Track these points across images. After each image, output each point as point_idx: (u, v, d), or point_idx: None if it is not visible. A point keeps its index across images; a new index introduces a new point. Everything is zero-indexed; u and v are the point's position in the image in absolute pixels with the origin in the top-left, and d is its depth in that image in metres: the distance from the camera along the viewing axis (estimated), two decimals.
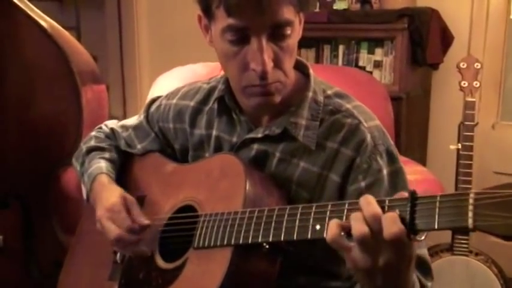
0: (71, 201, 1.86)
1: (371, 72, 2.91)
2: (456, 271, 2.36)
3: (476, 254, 2.36)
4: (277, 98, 1.15)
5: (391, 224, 0.85)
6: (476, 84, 2.35)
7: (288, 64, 1.15)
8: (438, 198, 0.84)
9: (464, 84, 2.35)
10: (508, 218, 0.76)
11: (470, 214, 0.79)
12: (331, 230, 0.90)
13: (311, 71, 1.26)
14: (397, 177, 1.16)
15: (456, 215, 0.81)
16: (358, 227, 0.87)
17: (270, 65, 1.09)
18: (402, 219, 0.86)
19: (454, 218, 0.81)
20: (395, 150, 1.19)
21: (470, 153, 2.32)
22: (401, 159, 2.30)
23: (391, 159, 1.17)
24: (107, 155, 1.46)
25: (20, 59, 1.80)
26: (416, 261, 1.07)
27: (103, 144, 1.49)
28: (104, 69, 4.15)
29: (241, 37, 1.09)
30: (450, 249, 2.37)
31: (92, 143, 1.50)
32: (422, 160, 3.00)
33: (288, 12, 1.08)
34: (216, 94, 1.31)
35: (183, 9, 3.83)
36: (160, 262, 1.23)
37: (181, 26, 3.69)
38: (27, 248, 1.87)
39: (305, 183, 1.19)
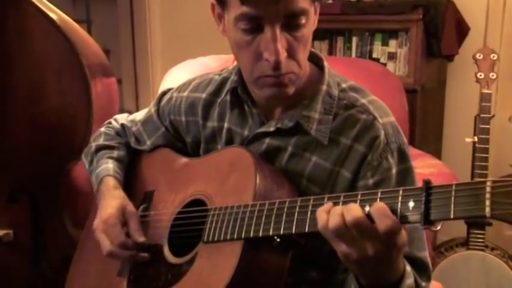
0: (81, 195, 1.85)
1: (385, 64, 2.88)
2: (472, 266, 2.34)
3: (492, 249, 2.34)
4: (291, 90, 1.13)
5: (383, 218, 0.87)
6: (492, 75, 2.31)
7: (302, 55, 1.12)
8: (454, 187, 0.83)
9: (481, 75, 2.32)
10: None
11: (487, 202, 0.78)
12: (321, 217, 0.93)
13: (326, 64, 1.23)
14: (406, 177, 1.15)
15: (473, 203, 0.80)
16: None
17: (283, 54, 1.07)
18: (416, 202, 0.87)
19: (470, 207, 0.80)
20: (407, 149, 1.18)
21: (487, 146, 2.29)
22: (416, 152, 2.31)
23: (402, 158, 1.15)
24: (115, 154, 1.45)
25: (29, 52, 1.79)
26: (415, 262, 1.08)
27: (112, 142, 1.48)
28: (116, 63, 4.15)
29: (254, 26, 1.07)
30: (466, 243, 2.35)
31: (101, 140, 1.49)
32: (437, 153, 2.97)
33: (303, 1, 1.06)
34: (228, 85, 1.28)
35: (195, 2, 3.84)
36: (170, 257, 1.22)
37: (194, 19, 3.68)
38: (36, 243, 1.87)
39: (316, 178, 1.17)
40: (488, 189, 0.78)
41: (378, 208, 0.88)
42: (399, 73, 2.84)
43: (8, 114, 1.83)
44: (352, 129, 1.15)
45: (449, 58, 2.95)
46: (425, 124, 2.85)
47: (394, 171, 1.13)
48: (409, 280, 1.01)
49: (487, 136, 2.29)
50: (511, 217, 0.76)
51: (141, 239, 1.25)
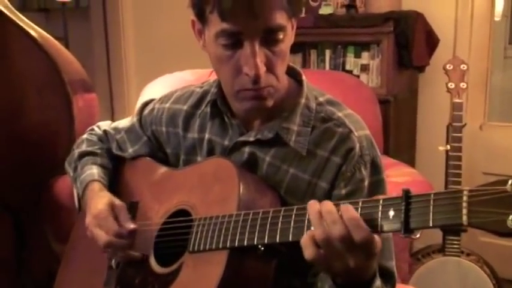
0: (64, 210, 1.85)
1: (358, 76, 2.93)
2: (448, 271, 2.37)
3: (468, 255, 2.38)
4: (270, 102, 1.16)
5: (357, 229, 0.91)
6: (463, 85, 2.37)
7: (281, 69, 1.16)
8: (432, 196, 0.85)
9: (451, 85, 2.38)
10: (501, 214, 0.77)
11: (464, 211, 0.80)
12: (308, 248, 0.95)
13: (304, 78, 1.27)
14: (377, 188, 1.18)
15: (451, 212, 0.82)
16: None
17: (262, 69, 1.10)
18: (370, 215, 0.91)
19: (448, 215, 0.83)
20: (380, 162, 1.21)
21: (459, 154, 2.34)
22: (391, 161, 2.35)
23: (375, 170, 1.19)
24: (99, 160, 1.47)
25: (10, 69, 1.80)
26: (382, 271, 1.10)
27: (95, 149, 1.50)
28: (91, 79, 4.14)
29: (234, 41, 1.10)
30: (442, 250, 2.38)
31: (84, 147, 1.51)
32: (411, 162, 3.02)
33: (280, 18, 1.09)
34: (208, 97, 1.32)
35: (169, 18, 3.85)
36: (156, 267, 1.23)
37: (168, 35, 3.69)
38: (19, 259, 1.86)
39: (294, 189, 1.20)
40: (465, 198, 0.81)
41: (351, 218, 0.92)
42: (372, 84, 2.89)
43: None
44: (329, 142, 1.19)
45: (421, 69, 3.01)
46: (399, 133, 2.90)
47: (366, 182, 1.17)
48: (378, 282, 1.04)
49: (459, 144, 2.34)
50: (487, 225, 0.79)
51: (132, 225, 1.27)
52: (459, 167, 2.33)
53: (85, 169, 1.44)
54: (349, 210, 0.92)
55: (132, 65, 3.99)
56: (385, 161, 2.32)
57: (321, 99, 1.26)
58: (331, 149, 1.18)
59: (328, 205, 0.95)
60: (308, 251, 0.95)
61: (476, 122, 3.03)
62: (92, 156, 1.48)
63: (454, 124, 2.36)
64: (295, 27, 1.20)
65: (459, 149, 2.34)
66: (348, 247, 0.91)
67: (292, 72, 1.28)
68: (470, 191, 0.81)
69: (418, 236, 0.92)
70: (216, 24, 1.10)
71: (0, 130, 1.81)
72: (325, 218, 0.93)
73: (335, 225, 0.92)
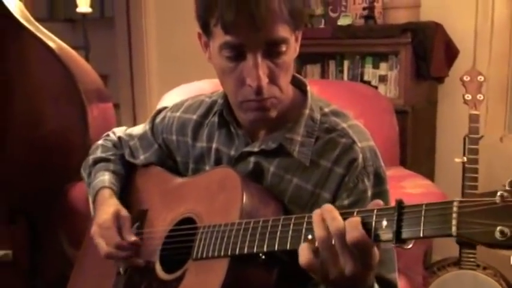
0: (78, 216, 1.88)
1: (376, 87, 2.92)
2: (464, 285, 2.35)
3: (484, 268, 2.35)
4: (273, 113, 1.18)
5: (353, 230, 0.90)
6: (480, 97, 2.36)
7: (284, 80, 1.18)
8: (424, 207, 0.86)
9: (468, 97, 2.37)
10: (490, 225, 0.78)
11: (454, 222, 0.81)
12: (305, 255, 0.95)
13: (309, 88, 1.28)
14: (380, 199, 1.16)
15: (441, 223, 0.83)
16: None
17: (265, 80, 1.12)
18: (364, 224, 0.91)
19: (438, 226, 0.83)
20: (383, 173, 1.22)
21: (476, 166, 2.32)
22: (406, 173, 2.35)
23: (378, 181, 1.20)
24: (111, 166, 1.51)
25: (28, 79, 1.86)
26: (383, 283, 1.10)
27: (109, 155, 1.53)
28: (114, 88, 4.22)
29: (237, 54, 1.12)
30: (458, 263, 2.36)
31: (98, 153, 1.55)
32: (430, 173, 3.00)
33: (282, 31, 1.11)
34: (216, 108, 1.34)
35: (191, 27, 3.88)
36: (161, 273, 1.26)
37: (190, 45, 3.70)
38: (34, 262, 1.90)
39: (297, 199, 1.21)
40: (455, 209, 0.81)
41: (351, 220, 0.92)
42: (390, 95, 2.88)
43: (8, 138, 1.88)
44: (332, 152, 1.20)
45: (440, 80, 3.00)
46: (417, 145, 2.88)
47: (369, 193, 1.17)
48: None
49: (475, 156, 2.32)
50: (475, 236, 0.79)
51: (133, 238, 1.31)
52: (475, 179, 2.31)
53: (98, 175, 1.48)
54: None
55: (154, 74, 4.04)
56: (400, 172, 2.35)
57: (326, 109, 1.27)
58: (334, 159, 1.19)
59: (329, 206, 0.96)
60: (303, 256, 0.95)
61: (497, 133, 3.00)
62: (105, 163, 1.51)
63: (471, 136, 2.34)
64: (299, 39, 1.21)
65: (475, 161, 2.32)
66: (343, 247, 0.91)
67: (297, 83, 1.29)
68: (460, 202, 0.81)
69: (410, 246, 0.92)
70: (219, 37, 1.12)
71: (19, 137, 1.87)
72: (325, 216, 0.94)
73: (334, 221, 0.92)
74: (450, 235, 0.82)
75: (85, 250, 1.55)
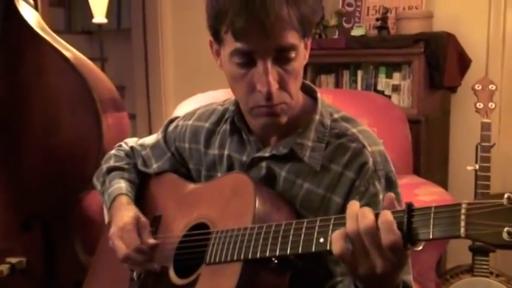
0: (93, 223, 1.92)
1: (389, 96, 2.93)
2: None
3: (497, 275, 2.35)
4: (283, 119, 1.20)
5: (388, 232, 0.90)
6: (491, 105, 2.37)
7: (293, 86, 1.19)
8: (433, 209, 0.88)
9: (480, 105, 2.38)
10: (497, 226, 0.79)
11: (462, 223, 0.82)
12: (337, 243, 0.95)
13: (319, 95, 1.30)
14: None
15: (449, 224, 0.84)
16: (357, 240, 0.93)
17: (275, 86, 1.14)
18: (399, 224, 0.90)
19: (447, 228, 0.85)
20: (394, 177, 1.23)
21: (488, 174, 2.32)
22: (420, 180, 2.35)
23: (389, 185, 1.21)
24: (126, 175, 1.53)
25: (44, 87, 1.88)
26: (401, 286, 1.09)
27: (123, 164, 1.56)
28: (131, 99, 4.26)
29: (248, 60, 1.14)
30: (470, 270, 2.36)
31: (112, 162, 1.57)
32: (443, 182, 3.00)
33: (292, 37, 1.13)
34: (227, 115, 1.37)
35: (207, 38, 3.90)
36: (175, 278, 1.27)
37: (206, 56, 3.74)
38: (48, 270, 1.91)
39: (308, 204, 1.22)
40: (463, 211, 0.83)
41: (385, 220, 0.91)
42: (403, 104, 2.89)
43: (24, 145, 1.91)
44: (342, 157, 1.21)
45: (453, 89, 3.01)
46: (431, 154, 2.88)
47: (381, 196, 1.18)
48: None
49: (487, 164, 2.33)
50: (483, 237, 0.81)
51: (153, 241, 1.33)
52: (487, 186, 2.31)
53: (113, 183, 1.50)
54: (386, 214, 0.92)
55: (170, 85, 4.07)
56: (413, 180, 2.35)
57: (336, 115, 1.29)
58: (344, 163, 1.20)
59: (365, 207, 0.96)
60: (337, 245, 0.95)
61: (509, 142, 2.99)
62: (120, 171, 1.54)
63: (483, 144, 2.35)
64: (309, 46, 1.23)
65: (487, 169, 2.32)
66: (377, 246, 0.91)
67: (308, 90, 1.31)
68: (468, 204, 0.83)
69: (420, 248, 0.93)
70: (230, 44, 1.15)
71: (34, 144, 1.89)
72: (358, 213, 0.94)
73: (365, 218, 0.92)
74: (459, 236, 0.83)
75: (98, 256, 1.57)
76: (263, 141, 1.30)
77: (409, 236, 0.89)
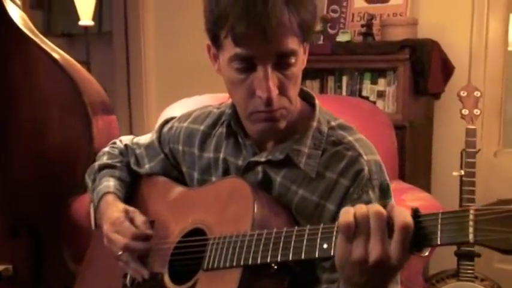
0: (81, 230, 1.88)
1: (374, 102, 2.94)
2: None
3: (482, 280, 2.37)
4: (282, 124, 1.20)
5: (401, 216, 0.89)
6: (476, 112, 2.39)
7: (293, 91, 1.20)
8: (440, 215, 0.88)
9: (465, 112, 2.40)
10: (506, 232, 0.80)
11: (471, 229, 0.83)
12: (345, 215, 0.93)
13: (317, 102, 1.31)
14: None
15: (457, 230, 0.85)
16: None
17: (275, 92, 1.14)
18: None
19: (455, 234, 0.85)
20: (388, 186, 1.23)
21: (473, 179, 2.35)
22: (406, 186, 2.36)
23: (383, 194, 1.21)
24: (117, 173, 1.52)
25: (34, 89, 1.86)
26: None
27: (115, 162, 1.55)
28: (112, 103, 4.21)
29: (247, 65, 1.14)
30: (456, 275, 2.38)
31: (104, 159, 1.56)
32: (426, 187, 3.02)
33: (292, 43, 1.13)
34: (223, 118, 1.36)
35: (190, 43, 3.90)
36: (170, 284, 1.26)
37: (188, 61, 3.74)
38: (36, 277, 1.89)
39: (302, 210, 1.22)
40: (471, 216, 0.83)
41: (398, 208, 0.91)
42: (388, 110, 2.90)
43: (13, 149, 1.88)
44: (338, 164, 1.21)
45: (436, 96, 3.04)
46: (415, 159, 2.90)
47: None
48: None
49: (473, 170, 2.35)
50: (491, 243, 0.81)
51: (148, 231, 1.33)
52: (473, 192, 2.34)
53: (102, 181, 1.49)
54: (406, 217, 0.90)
55: (152, 89, 4.05)
56: (400, 185, 2.37)
57: (333, 123, 1.29)
58: (340, 171, 1.20)
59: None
60: (344, 217, 0.93)
61: (491, 148, 3.04)
62: (111, 169, 1.53)
63: (468, 150, 2.37)
64: (307, 51, 1.24)
65: (473, 175, 2.35)
66: (381, 231, 0.90)
67: (305, 96, 1.31)
68: (476, 210, 0.83)
69: (426, 254, 0.93)
70: (230, 49, 1.14)
71: (23, 148, 1.87)
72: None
73: (374, 206, 0.92)
74: (467, 242, 0.83)
75: (87, 264, 1.54)
76: (259, 146, 1.30)
77: (416, 241, 0.89)
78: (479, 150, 2.39)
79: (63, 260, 1.87)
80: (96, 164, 1.56)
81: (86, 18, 3.25)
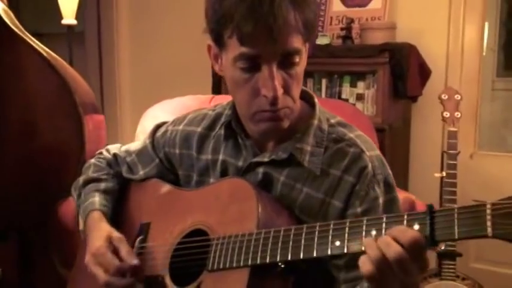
0: (70, 234, 1.84)
1: (354, 105, 2.96)
2: None
3: (463, 279, 2.41)
4: (286, 123, 1.20)
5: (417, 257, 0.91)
6: (457, 114, 2.44)
7: (296, 91, 1.21)
8: (456, 210, 0.90)
9: (447, 114, 2.45)
10: None
11: (489, 223, 0.85)
12: (366, 267, 0.94)
13: (316, 100, 1.32)
14: (391, 206, 1.22)
15: (475, 225, 0.87)
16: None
17: (280, 91, 1.14)
18: (421, 226, 0.92)
19: (473, 228, 0.87)
20: (392, 180, 1.25)
21: (454, 180, 2.39)
22: None
23: (388, 189, 1.23)
24: (102, 186, 1.48)
25: (23, 89, 1.81)
26: None
27: (100, 174, 1.51)
28: None
29: (252, 65, 1.14)
30: (438, 274, 2.41)
31: (90, 172, 1.53)
32: (404, 188, 3.05)
33: (297, 42, 1.14)
34: (222, 119, 1.36)
35: (165, 44, 3.88)
36: (172, 286, 1.24)
37: (163, 62, 3.71)
38: (25, 281, 1.84)
39: (308, 208, 1.23)
40: (488, 211, 0.85)
41: (412, 238, 0.91)
42: (367, 113, 2.92)
43: (1, 151, 1.82)
44: (341, 162, 1.22)
45: (413, 99, 3.08)
46: (394, 161, 2.93)
47: (381, 200, 1.20)
48: None
49: (454, 171, 2.40)
50: (510, 235, 0.84)
51: (135, 261, 1.26)
52: (454, 193, 2.38)
53: (87, 197, 1.46)
54: (408, 234, 0.91)
55: (126, 90, 4.01)
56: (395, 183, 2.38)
57: (332, 121, 1.30)
58: (343, 168, 1.22)
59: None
60: (364, 268, 0.94)
61: (467, 151, 3.10)
62: (96, 183, 1.49)
63: (450, 152, 2.41)
64: (308, 50, 1.24)
65: (454, 176, 2.39)
66: (406, 270, 0.92)
67: (305, 95, 1.32)
68: (493, 204, 0.86)
69: (443, 247, 0.95)
70: (234, 49, 1.14)
71: (11, 150, 1.81)
72: (380, 244, 0.93)
73: (391, 247, 0.92)
74: (485, 236, 0.86)
75: (78, 268, 1.50)
76: (260, 146, 1.30)
77: (432, 237, 0.91)
78: (459, 152, 2.43)
79: (53, 265, 1.82)
80: (81, 178, 1.53)
81: (69, 16, 3.18)
